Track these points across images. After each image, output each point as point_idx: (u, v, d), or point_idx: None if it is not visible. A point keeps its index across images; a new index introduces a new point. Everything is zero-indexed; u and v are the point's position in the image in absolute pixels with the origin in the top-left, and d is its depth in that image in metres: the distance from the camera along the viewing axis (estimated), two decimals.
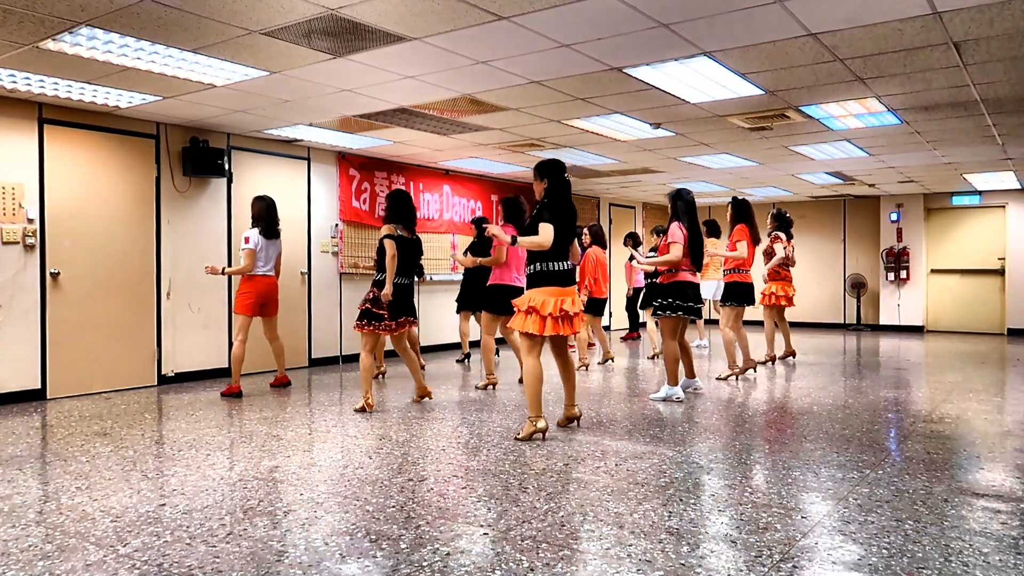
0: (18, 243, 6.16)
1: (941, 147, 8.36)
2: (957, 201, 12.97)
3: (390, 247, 5.59)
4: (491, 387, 6.75)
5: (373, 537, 3.04)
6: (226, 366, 7.67)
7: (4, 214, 6.09)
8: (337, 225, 8.78)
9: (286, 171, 8.30)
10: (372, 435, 4.95)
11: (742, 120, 6.89)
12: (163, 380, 7.15)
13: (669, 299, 6.07)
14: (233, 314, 6.71)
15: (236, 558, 2.83)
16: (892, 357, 9.35)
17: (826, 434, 4.94)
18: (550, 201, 4.74)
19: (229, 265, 7.37)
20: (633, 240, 9.80)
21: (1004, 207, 12.67)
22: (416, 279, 5.82)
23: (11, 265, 6.13)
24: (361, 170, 9.06)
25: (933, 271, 13.26)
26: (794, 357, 8.84)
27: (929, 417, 5.52)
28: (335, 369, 8.30)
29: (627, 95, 6.01)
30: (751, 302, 7.36)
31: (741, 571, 2.69)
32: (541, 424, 4.69)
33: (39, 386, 6.31)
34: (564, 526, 3.16)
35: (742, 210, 7.29)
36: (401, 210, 5.81)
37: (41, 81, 5.55)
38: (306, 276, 8.47)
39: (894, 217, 13.23)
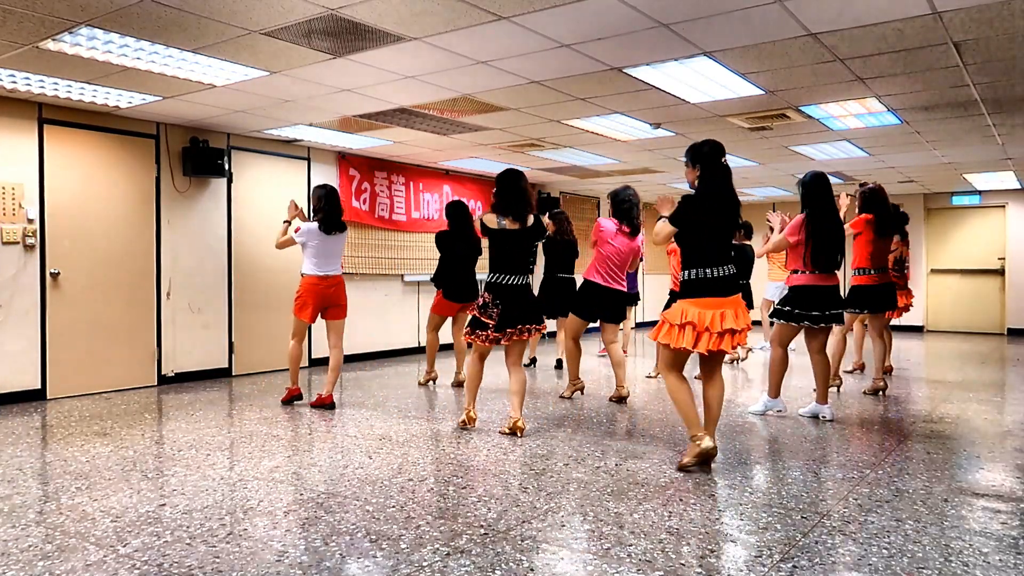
0: (18, 243, 6.16)
1: (941, 147, 8.36)
2: (957, 201, 12.97)
3: (476, 223, 4.97)
4: (580, 392, 6.36)
5: (373, 537, 3.05)
6: (226, 366, 7.67)
7: (4, 214, 6.10)
8: None
9: (286, 171, 8.30)
10: (372, 435, 4.95)
11: (742, 120, 6.89)
12: (163, 380, 7.15)
13: (788, 306, 5.31)
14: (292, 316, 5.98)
15: (236, 558, 2.83)
16: (892, 357, 9.34)
17: (826, 434, 4.94)
18: (694, 195, 4.08)
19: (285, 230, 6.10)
20: None
21: (1004, 207, 12.67)
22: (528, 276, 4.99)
23: (11, 265, 6.13)
24: (361, 170, 9.05)
25: (933, 271, 13.26)
26: (862, 370, 7.74)
27: (929, 417, 5.52)
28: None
29: (627, 95, 6.01)
30: (880, 307, 6.35)
31: (741, 571, 2.69)
32: (707, 444, 3.95)
33: (39, 386, 6.31)
34: (564, 526, 3.16)
35: (873, 199, 6.26)
36: (507, 195, 4.80)
37: (41, 81, 5.55)
38: None
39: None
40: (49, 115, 6.34)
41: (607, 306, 6.06)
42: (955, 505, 3.46)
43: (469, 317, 4.89)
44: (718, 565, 2.74)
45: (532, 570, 2.70)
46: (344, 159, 8.87)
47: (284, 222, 5.95)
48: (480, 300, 4.83)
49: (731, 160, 9.20)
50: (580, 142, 8.06)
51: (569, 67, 5.21)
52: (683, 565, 2.74)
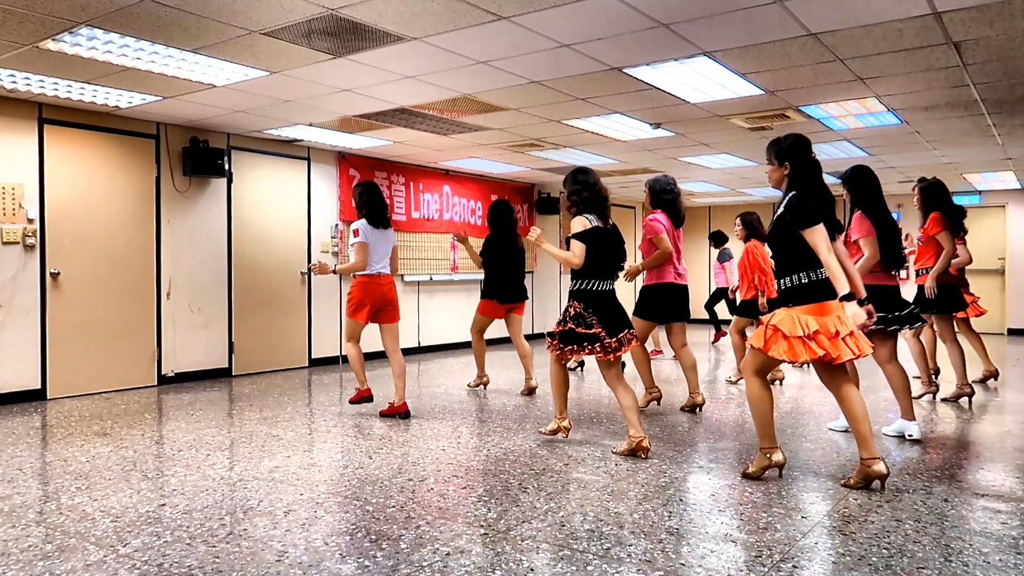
0: (18, 243, 6.16)
1: (941, 147, 8.36)
2: (957, 201, 12.90)
3: (577, 248, 4.32)
4: (656, 403, 5.83)
5: (373, 537, 3.05)
6: (226, 366, 7.67)
7: (4, 214, 6.09)
8: (337, 225, 8.78)
9: (286, 171, 8.31)
10: (372, 435, 4.95)
11: (742, 120, 6.89)
12: (163, 380, 7.15)
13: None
14: (344, 317, 5.60)
15: (236, 558, 2.83)
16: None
17: (826, 434, 4.94)
18: (802, 192, 3.66)
19: (310, 258, 5.99)
20: (716, 239, 9.63)
21: (1004, 207, 12.67)
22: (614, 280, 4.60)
23: (11, 265, 6.13)
24: (361, 170, 9.06)
25: None
26: (996, 378, 7.12)
27: (929, 417, 5.52)
28: (335, 369, 8.30)
29: (627, 95, 6.01)
30: (955, 308, 6.01)
31: (741, 571, 2.69)
32: (777, 457, 3.80)
33: (39, 386, 6.31)
34: (564, 526, 3.16)
35: (934, 194, 5.97)
36: (591, 193, 4.44)
37: (41, 81, 5.55)
38: (306, 276, 8.47)
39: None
40: (49, 115, 6.34)
41: (683, 304, 5.69)
42: (955, 505, 3.45)
43: (557, 333, 4.41)
44: (718, 565, 2.74)
45: (532, 570, 2.70)
46: (344, 159, 8.87)
47: (334, 271, 5.57)
48: (571, 311, 4.36)
49: (731, 160, 9.30)
50: (580, 142, 8.06)
51: (569, 67, 5.21)
52: (683, 565, 2.74)
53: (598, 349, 4.28)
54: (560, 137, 7.80)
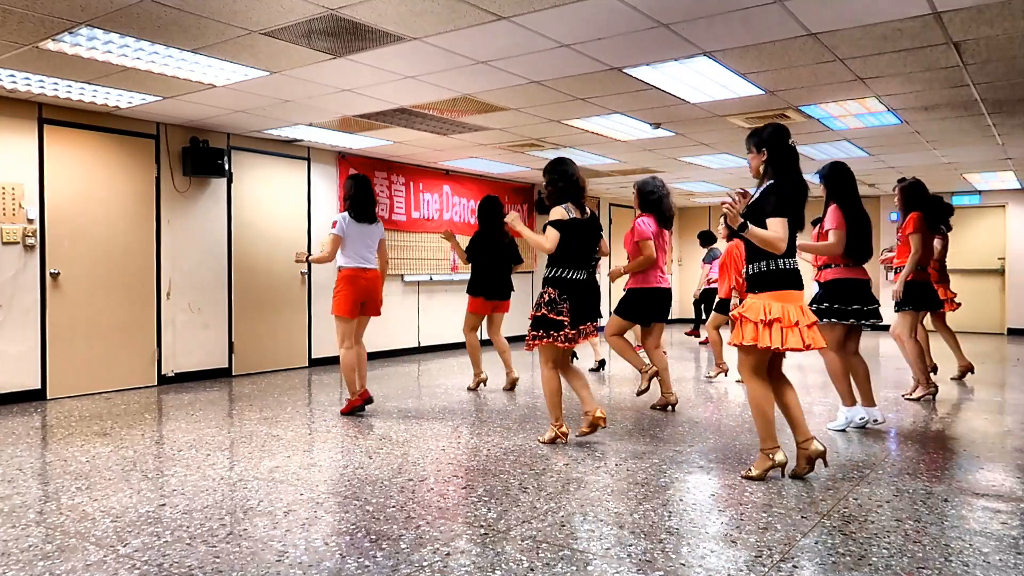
0: (18, 243, 6.16)
1: (941, 147, 8.36)
2: (957, 201, 12.96)
3: (551, 235, 4.43)
4: (651, 381, 5.76)
5: (373, 537, 3.05)
6: (226, 366, 7.67)
7: (4, 214, 6.09)
8: None
9: (286, 171, 8.31)
10: (372, 435, 4.95)
11: (742, 120, 6.89)
12: (163, 380, 7.15)
13: (827, 303, 4.93)
14: (333, 317, 5.65)
15: (236, 558, 2.83)
16: (892, 357, 9.34)
17: (826, 434, 4.94)
18: (777, 182, 3.79)
19: (309, 252, 5.91)
20: (704, 239, 9.62)
21: (1004, 207, 12.67)
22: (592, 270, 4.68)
23: (11, 265, 6.13)
24: (361, 170, 9.05)
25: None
26: (972, 372, 7.22)
27: (929, 417, 5.52)
28: (335, 369, 8.30)
29: (627, 95, 6.01)
30: (932, 306, 6.17)
31: (741, 571, 2.69)
32: (780, 457, 3.83)
33: (39, 386, 6.31)
34: (564, 526, 3.16)
35: (913, 194, 6.13)
36: (568, 183, 4.57)
37: (41, 81, 5.55)
38: (306, 276, 8.47)
39: (894, 217, 13.22)
40: (49, 115, 6.34)
41: (663, 306, 5.78)
42: (955, 505, 3.46)
43: (532, 319, 4.51)
44: (718, 565, 2.74)
45: (532, 570, 2.70)
46: (344, 159, 8.87)
47: (307, 260, 5.71)
48: (545, 296, 4.47)
49: (731, 160, 9.29)
50: (580, 142, 8.06)
51: (569, 67, 5.21)
52: (683, 565, 2.74)
53: (560, 337, 4.44)
54: (560, 137, 7.80)
